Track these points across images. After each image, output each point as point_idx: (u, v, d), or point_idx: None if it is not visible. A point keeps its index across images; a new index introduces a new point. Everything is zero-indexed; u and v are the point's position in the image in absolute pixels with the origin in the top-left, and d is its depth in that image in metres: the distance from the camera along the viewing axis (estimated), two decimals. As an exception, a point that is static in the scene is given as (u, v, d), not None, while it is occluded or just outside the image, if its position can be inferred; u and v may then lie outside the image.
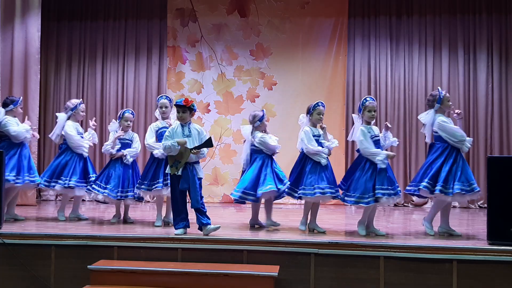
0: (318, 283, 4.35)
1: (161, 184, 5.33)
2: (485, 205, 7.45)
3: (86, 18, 9.10)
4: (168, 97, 5.76)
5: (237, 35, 8.83)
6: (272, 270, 4.17)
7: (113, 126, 5.86)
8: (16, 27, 7.51)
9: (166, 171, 4.86)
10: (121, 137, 5.75)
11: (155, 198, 8.49)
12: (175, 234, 4.65)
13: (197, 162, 4.83)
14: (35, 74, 7.59)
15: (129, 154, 5.66)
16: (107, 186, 5.58)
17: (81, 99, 6.64)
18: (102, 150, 5.85)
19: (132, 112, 5.97)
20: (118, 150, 5.68)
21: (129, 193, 5.62)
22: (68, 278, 4.54)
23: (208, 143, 4.74)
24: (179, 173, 4.68)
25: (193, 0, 8.87)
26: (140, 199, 5.76)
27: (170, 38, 8.89)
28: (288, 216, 6.68)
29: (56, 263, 4.58)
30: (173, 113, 5.52)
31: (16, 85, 7.44)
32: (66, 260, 4.58)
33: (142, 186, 5.51)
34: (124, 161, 5.66)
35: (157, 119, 5.88)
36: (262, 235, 4.89)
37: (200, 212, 4.71)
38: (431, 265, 4.23)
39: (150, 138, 5.59)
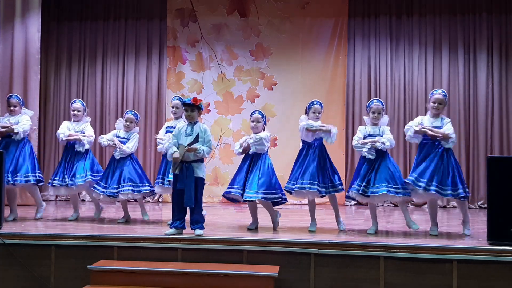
0: (318, 283, 4.35)
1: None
2: (485, 205, 7.45)
3: (86, 18, 9.10)
4: (181, 98, 5.86)
5: (237, 35, 8.83)
6: (272, 270, 4.17)
7: (119, 125, 5.92)
8: (16, 27, 7.52)
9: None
10: (119, 135, 5.83)
11: (155, 198, 8.57)
12: (165, 233, 4.66)
13: (198, 161, 4.77)
14: (35, 74, 7.59)
15: (119, 151, 5.67)
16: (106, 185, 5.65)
17: (76, 99, 6.65)
18: (99, 141, 5.88)
19: (135, 113, 5.97)
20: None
21: (122, 190, 5.60)
22: (68, 278, 4.54)
23: (196, 140, 4.74)
24: (177, 172, 4.68)
25: (193, 0, 8.88)
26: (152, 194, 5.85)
27: (170, 38, 8.89)
28: (288, 216, 6.68)
29: (56, 263, 4.58)
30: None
31: (16, 85, 7.45)
32: (66, 260, 4.58)
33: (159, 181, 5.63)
34: (114, 155, 5.70)
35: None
36: (262, 235, 4.89)
37: (195, 212, 4.70)
38: (431, 265, 4.23)
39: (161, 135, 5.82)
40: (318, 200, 5.52)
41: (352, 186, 5.14)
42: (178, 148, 4.71)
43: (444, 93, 5.18)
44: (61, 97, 9.08)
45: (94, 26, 9.07)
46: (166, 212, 6.94)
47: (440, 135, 4.95)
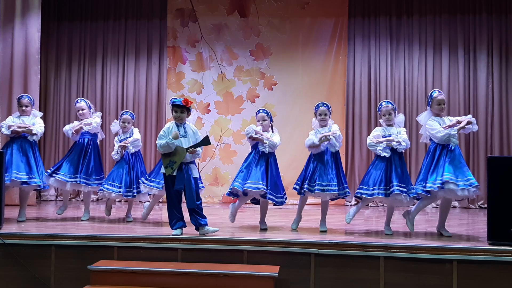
0: (318, 283, 4.35)
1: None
2: (485, 205, 7.46)
3: (86, 18, 9.11)
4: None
5: (237, 35, 8.83)
6: (272, 270, 4.17)
7: (115, 127, 5.94)
8: (16, 27, 7.52)
9: (161, 171, 4.84)
10: (121, 138, 5.89)
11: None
12: (173, 235, 4.65)
13: (192, 162, 4.81)
14: (35, 74, 7.59)
15: (130, 144, 5.76)
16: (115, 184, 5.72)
17: (79, 98, 6.66)
18: (112, 156, 5.94)
19: (131, 114, 6.02)
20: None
21: (132, 191, 5.70)
22: (68, 278, 4.54)
23: (206, 142, 4.71)
24: (175, 173, 4.67)
25: (193, 0, 8.88)
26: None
27: (170, 38, 8.90)
28: (288, 216, 6.67)
29: (56, 263, 4.58)
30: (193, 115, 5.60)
31: (16, 85, 7.45)
32: (66, 260, 4.58)
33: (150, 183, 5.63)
34: (129, 152, 5.78)
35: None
36: (262, 235, 4.89)
37: (197, 212, 4.70)
38: (431, 265, 4.23)
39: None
40: (317, 200, 5.51)
41: (377, 187, 5.01)
42: (175, 151, 4.68)
43: (442, 92, 5.24)
44: (61, 97, 9.08)
45: (94, 26, 9.07)
46: (166, 212, 6.93)
47: (466, 122, 4.99)
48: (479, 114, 8.41)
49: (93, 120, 5.92)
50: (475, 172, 8.32)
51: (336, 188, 5.11)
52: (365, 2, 8.75)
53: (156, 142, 4.79)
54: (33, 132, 5.69)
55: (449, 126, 4.99)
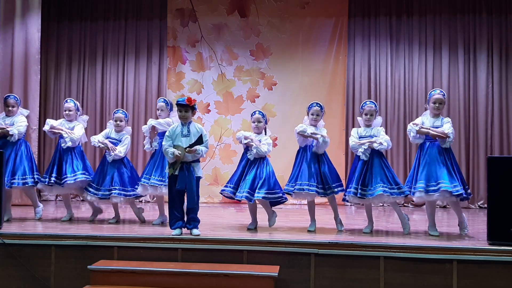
0: (318, 283, 4.35)
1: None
2: (485, 205, 7.45)
3: (86, 18, 9.10)
4: (165, 100, 5.80)
5: (237, 35, 8.84)
6: (272, 270, 4.17)
7: (110, 127, 5.91)
8: (16, 28, 7.54)
9: (165, 171, 4.85)
10: (111, 136, 5.79)
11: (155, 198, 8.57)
12: (172, 235, 4.65)
13: (196, 161, 4.80)
14: (35, 74, 7.60)
15: (113, 153, 5.64)
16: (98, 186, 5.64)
17: (69, 98, 6.51)
18: (91, 141, 5.83)
19: (124, 112, 5.95)
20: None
21: (113, 192, 5.57)
22: (68, 278, 4.54)
23: (199, 141, 4.72)
24: (176, 173, 4.68)
25: (193, 0, 8.88)
26: (138, 196, 5.83)
27: (170, 38, 8.90)
28: (288, 216, 6.68)
29: (56, 263, 4.58)
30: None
31: (16, 85, 7.46)
32: (66, 260, 4.58)
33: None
34: (107, 159, 5.67)
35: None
36: (262, 235, 4.89)
37: (193, 212, 4.71)
38: (431, 265, 4.23)
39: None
40: (318, 200, 5.52)
41: (348, 189, 5.13)
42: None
43: (443, 93, 5.19)
44: (61, 97, 9.06)
45: (94, 26, 9.07)
46: (166, 212, 6.92)
47: (441, 134, 4.93)
48: (479, 114, 8.41)
49: (73, 136, 5.71)
50: (475, 172, 8.34)
51: (315, 188, 5.10)
52: (365, 2, 8.75)
53: (163, 143, 4.83)
54: (10, 133, 5.65)
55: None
